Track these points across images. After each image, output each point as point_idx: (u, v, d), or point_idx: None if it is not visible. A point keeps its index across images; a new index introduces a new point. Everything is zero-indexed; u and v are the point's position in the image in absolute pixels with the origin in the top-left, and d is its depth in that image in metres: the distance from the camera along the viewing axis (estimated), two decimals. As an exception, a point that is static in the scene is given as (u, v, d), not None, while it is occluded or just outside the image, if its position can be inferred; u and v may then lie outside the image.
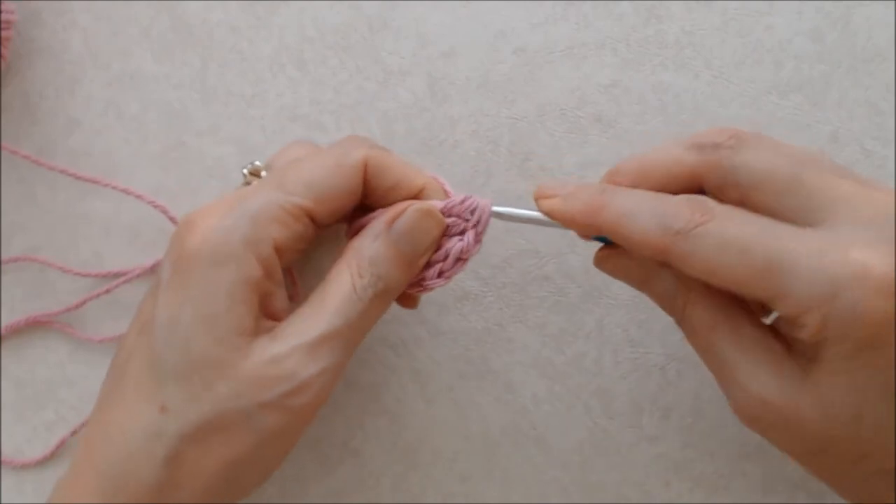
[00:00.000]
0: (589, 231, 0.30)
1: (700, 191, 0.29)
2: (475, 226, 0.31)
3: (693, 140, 0.30)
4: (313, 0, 0.39)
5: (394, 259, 0.30)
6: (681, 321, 0.30)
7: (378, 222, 0.31)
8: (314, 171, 0.30)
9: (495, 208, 0.32)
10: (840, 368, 0.26)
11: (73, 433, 0.38)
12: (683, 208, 0.27)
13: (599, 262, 0.32)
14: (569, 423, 0.38)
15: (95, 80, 0.39)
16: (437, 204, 0.31)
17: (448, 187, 0.33)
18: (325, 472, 0.38)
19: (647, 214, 0.28)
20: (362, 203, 0.32)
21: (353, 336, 0.30)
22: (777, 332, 0.28)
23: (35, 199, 0.39)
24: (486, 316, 0.38)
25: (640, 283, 0.31)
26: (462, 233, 0.31)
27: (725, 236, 0.26)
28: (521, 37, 0.38)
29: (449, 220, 0.31)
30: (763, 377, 0.27)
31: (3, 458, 0.39)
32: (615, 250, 0.31)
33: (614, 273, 0.31)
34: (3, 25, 0.37)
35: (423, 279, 0.32)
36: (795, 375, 0.27)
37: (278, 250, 0.29)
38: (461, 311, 0.38)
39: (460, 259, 0.32)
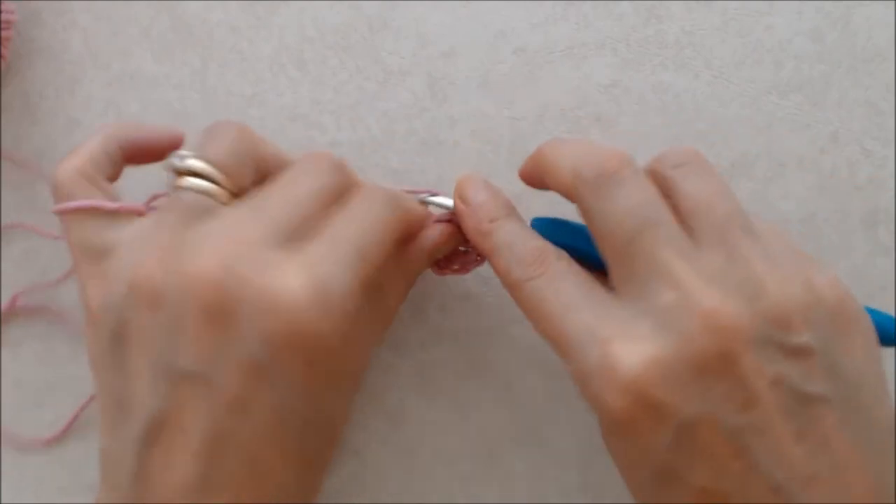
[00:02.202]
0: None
1: None
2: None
3: (578, 165, 0.30)
4: (313, 0, 0.39)
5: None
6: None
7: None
8: (383, 245, 0.31)
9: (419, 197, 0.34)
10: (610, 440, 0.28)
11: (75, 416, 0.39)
12: (529, 256, 0.30)
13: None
14: (569, 423, 0.38)
15: (95, 80, 0.39)
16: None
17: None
18: (325, 472, 0.38)
19: (506, 256, 0.31)
20: None
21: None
22: None
23: (35, 200, 0.39)
24: (486, 316, 0.38)
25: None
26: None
27: (542, 297, 0.29)
28: (521, 37, 0.38)
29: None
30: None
31: (3, 435, 0.39)
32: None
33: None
34: (3, 25, 0.37)
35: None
36: None
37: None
38: (461, 311, 0.38)
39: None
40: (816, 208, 0.37)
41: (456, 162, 0.38)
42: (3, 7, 0.37)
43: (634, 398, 0.26)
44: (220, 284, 0.27)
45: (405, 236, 0.32)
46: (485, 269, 0.38)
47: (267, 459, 0.28)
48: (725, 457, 0.26)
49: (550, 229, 0.32)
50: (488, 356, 0.38)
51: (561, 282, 0.29)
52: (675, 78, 0.38)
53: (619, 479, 0.37)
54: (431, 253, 0.34)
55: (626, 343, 0.26)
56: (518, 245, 0.31)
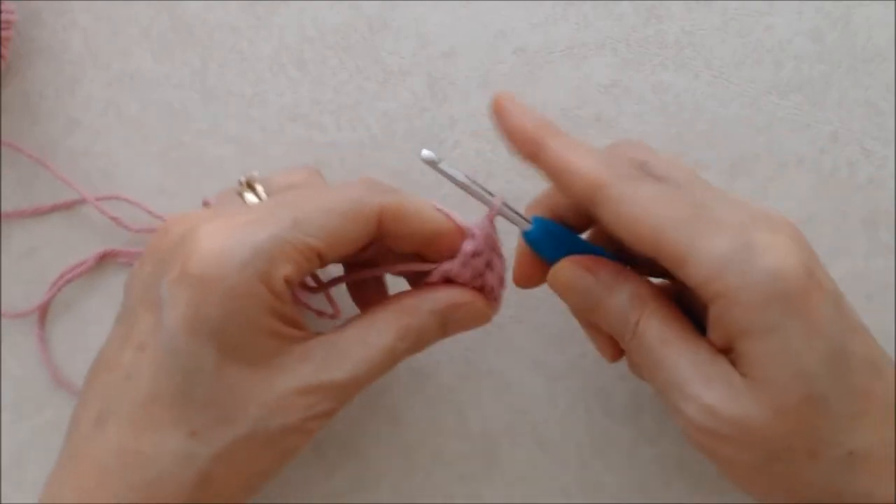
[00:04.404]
0: (530, 150, 0.30)
1: None
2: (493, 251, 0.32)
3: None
4: (313, 0, 0.39)
5: (436, 338, 0.32)
6: (631, 340, 0.30)
7: (439, 297, 0.31)
8: (331, 215, 0.30)
9: (426, 158, 0.32)
10: (772, 343, 0.27)
11: None
12: (626, 162, 0.30)
13: (555, 273, 0.31)
14: (569, 423, 0.38)
15: (95, 80, 0.39)
16: (467, 247, 0.31)
17: (455, 216, 0.32)
18: (325, 473, 0.38)
19: (594, 154, 0.29)
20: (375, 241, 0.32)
21: (368, 384, 0.31)
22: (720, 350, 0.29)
23: (35, 199, 0.39)
24: (486, 316, 0.38)
25: (594, 303, 0.31)
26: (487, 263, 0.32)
27: (657, 187, 0.28)
28: (521, 37, 0.38)
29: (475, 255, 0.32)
30: (715, 388, 0.28)
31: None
32: (574, 260, 0.31)
33: (570, 286, 0.31)
34: (3, 25, 0.37)
35: None
36: (742, 384, 0.27)
37: (286, 283, 0.29)
38: (461, 311, 0.38)
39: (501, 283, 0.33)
40: (816, 208, 0.37)
41: (456, 162, 0.38)
42: (3, 7, 0.37)
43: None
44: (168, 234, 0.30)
45: (391, 230, 0.31)
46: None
47: (155, 404, 0.29)
48: None
49: (553, 230, 0.32)
50: (488, 356, 0.38)
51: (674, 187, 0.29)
52: (675, 78, 0.38)
53: (618, 478, 0.38)
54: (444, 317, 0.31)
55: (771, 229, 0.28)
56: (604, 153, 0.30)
